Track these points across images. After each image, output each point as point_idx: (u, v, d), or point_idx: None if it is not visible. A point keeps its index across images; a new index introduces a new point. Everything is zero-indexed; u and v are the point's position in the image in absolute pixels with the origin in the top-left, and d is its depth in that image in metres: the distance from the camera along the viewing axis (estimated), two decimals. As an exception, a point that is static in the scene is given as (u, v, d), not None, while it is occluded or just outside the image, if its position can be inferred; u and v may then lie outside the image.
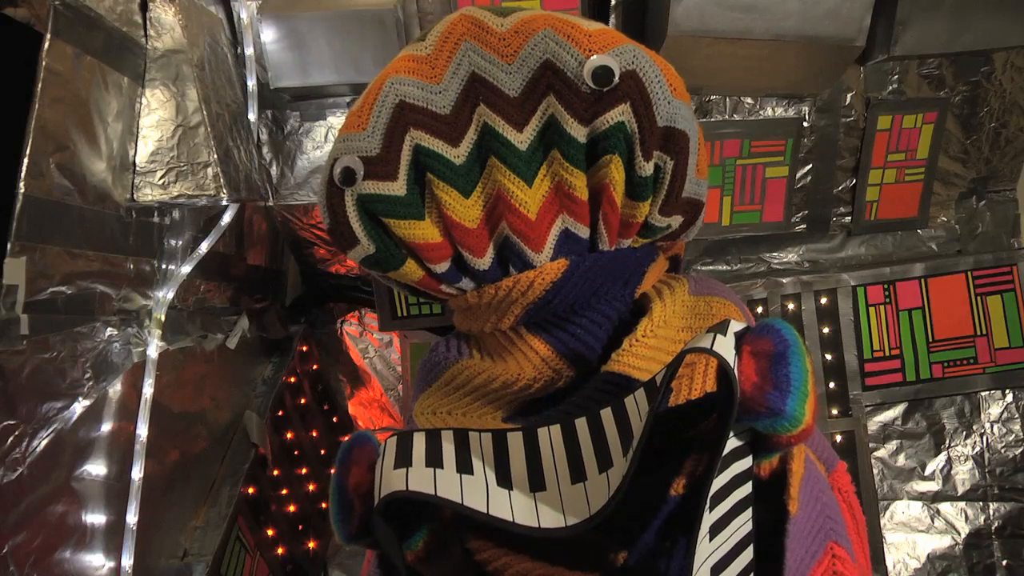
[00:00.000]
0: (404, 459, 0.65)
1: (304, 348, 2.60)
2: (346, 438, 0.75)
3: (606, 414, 0.64)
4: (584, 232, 0.75)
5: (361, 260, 0.78)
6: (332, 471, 0.71)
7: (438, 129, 0.71)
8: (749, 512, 0.65)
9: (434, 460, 0.65)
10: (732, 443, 0.62)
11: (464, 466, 0.65)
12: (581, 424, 0.65)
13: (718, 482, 0.61)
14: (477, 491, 0.63)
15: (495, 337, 0.80)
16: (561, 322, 0.76)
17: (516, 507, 0.62)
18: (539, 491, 0.63)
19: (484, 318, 0.79)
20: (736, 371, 0.60)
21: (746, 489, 0.64)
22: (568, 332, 0.76)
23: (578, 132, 0.70)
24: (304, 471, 2.46)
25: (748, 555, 0.65)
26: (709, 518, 0.60)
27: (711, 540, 0.61)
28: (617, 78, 0.68)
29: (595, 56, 0.69)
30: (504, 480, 0.64)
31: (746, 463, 0.64)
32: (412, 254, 0.76)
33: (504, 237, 0.74)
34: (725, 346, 0.61)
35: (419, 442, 0.66)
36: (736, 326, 0.65)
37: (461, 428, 0.69)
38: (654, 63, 0.72)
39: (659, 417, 0.59)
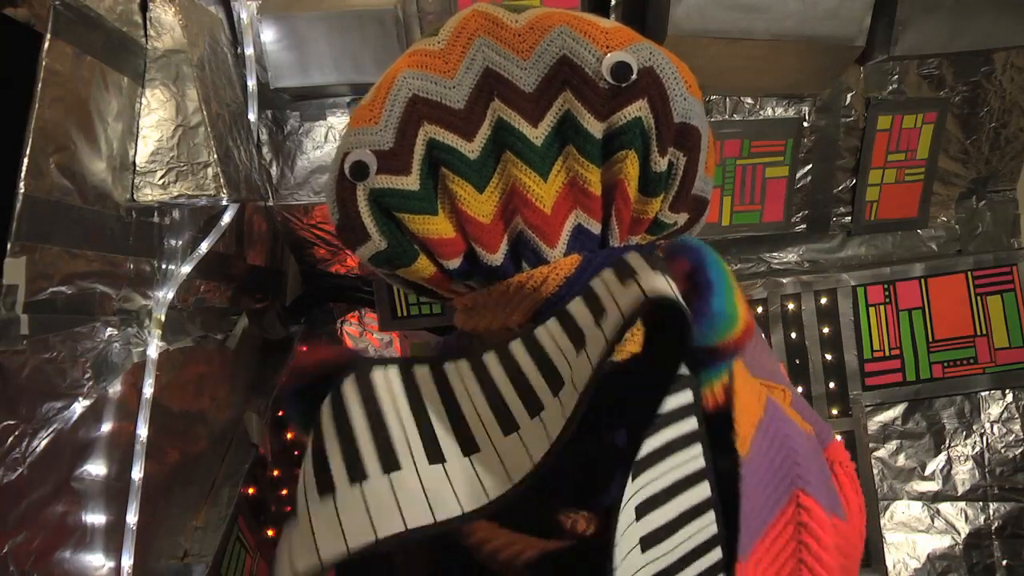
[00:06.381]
0: (326, 481, 0.55)
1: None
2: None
3: (517, 349, 0.61)
4: (596, 228, 0.75)
5: (371, 257, 0.77)
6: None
7: (452, 123, 0.71)
8: (695, 449, 0.63)
9: (356, 470, 0.56)
10: None
11: (386, 454, 0.56)
12: (491, 361, 0.61)
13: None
14: (415, 498, 0.55)
15: (501, 336, 0.78)
16: None
17: (458, 487, 0.56)
18: (473, 453, 0.58)
19: (491, 316, 0.78)
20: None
21: (688, 424, 0.63)
22: None
23: (594, 127, 0.70)
24: (304, 471, 2.45)
25: (696, 494, 0.62)
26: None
27: (634, 479, 0.58)
28: (635, 74, 0.69)
29: (613, 52, 0.69)
30: (435, 453, 0.58)
31: (686, 397, 0.63)
32: (424, 250, 0.75)
33: (518, 232, 0.73)
34: (659, 280, 0.57)
35: (359, 416, 0.58)
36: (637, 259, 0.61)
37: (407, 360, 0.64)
38: (670, 60, 0.72)
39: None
